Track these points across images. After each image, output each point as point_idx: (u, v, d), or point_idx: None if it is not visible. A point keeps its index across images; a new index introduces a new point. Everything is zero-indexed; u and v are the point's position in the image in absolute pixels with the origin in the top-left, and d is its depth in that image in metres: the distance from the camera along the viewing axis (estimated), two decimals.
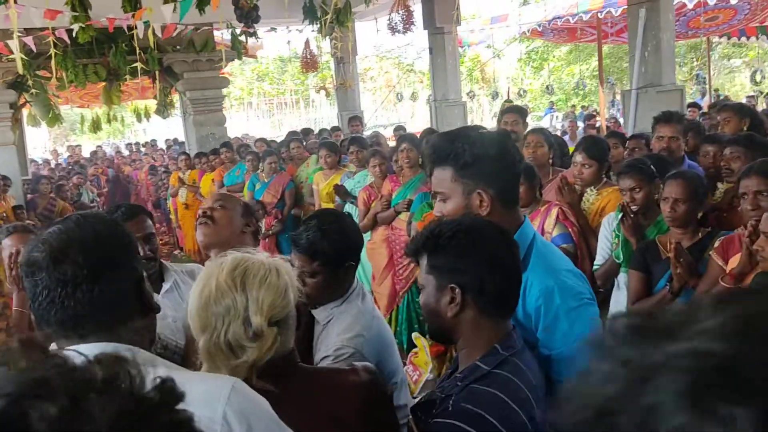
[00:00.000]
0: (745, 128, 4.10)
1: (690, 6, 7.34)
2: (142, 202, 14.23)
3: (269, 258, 1.56)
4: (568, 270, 1.75)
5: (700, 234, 2.98)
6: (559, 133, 13.62)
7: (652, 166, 3.28)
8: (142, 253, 2.37)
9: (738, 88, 23.09)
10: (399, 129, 8.84)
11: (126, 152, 18.99)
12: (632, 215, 3.21)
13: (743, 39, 12.39)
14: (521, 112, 5.28)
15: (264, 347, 1.41)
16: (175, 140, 17.31)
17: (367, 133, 11.19)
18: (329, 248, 2.11)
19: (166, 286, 2.52)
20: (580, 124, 13.21)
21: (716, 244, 2.82)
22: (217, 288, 1.44)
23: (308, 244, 2.12)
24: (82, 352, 0.68)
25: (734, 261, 2.64)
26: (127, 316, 1.32)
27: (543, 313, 1.63)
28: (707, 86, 11.96)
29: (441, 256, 1.48)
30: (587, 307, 1.67)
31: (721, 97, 14.82)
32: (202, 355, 1.46)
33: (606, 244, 3.47)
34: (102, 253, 1.29)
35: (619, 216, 3.27)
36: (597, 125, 11.13)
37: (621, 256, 3.29)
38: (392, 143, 8.07)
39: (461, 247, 1.46)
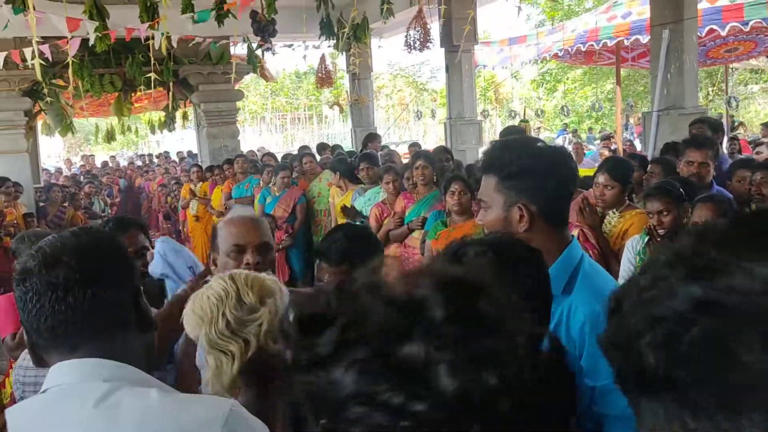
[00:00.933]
0: None
1: (703, 33, 7.25)
2: (154, 213, 14.26)
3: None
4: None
5: None
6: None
7: (681, 189, 3.18)
8: None
9: (753, 114, 22.96)
10: (414, 145, 8.77)
11: (139, 163, 19.03)
12: (659, 239, 3.10)
13: (762, 59, 12.30)
14: (520, 134, 5.31)
15: (269, 314, 1.45)
16: (189, 153, 17.36)
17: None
18: (360, 256, 2.10)
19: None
20: (592, 147, 13.12)
21: None
22: (208, 287, 1.51)
23: (340, 253, 2.12)
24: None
25: None
26: (122, 329, 1.27)
27: (588, 339, 1.52)
28: (728, 112, 11.84)
29: None
30: None
31: (736, 124, 14.70)
32: (207, 350, 1.45)
33: (629, 268, 3.36)
34: (97, 260, 1.25)
35: (645, 239, 3.16)
36: (613, 147, 11.04)
37: None
38: (405, 159, 8.03)
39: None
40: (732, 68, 14.47)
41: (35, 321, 1.20)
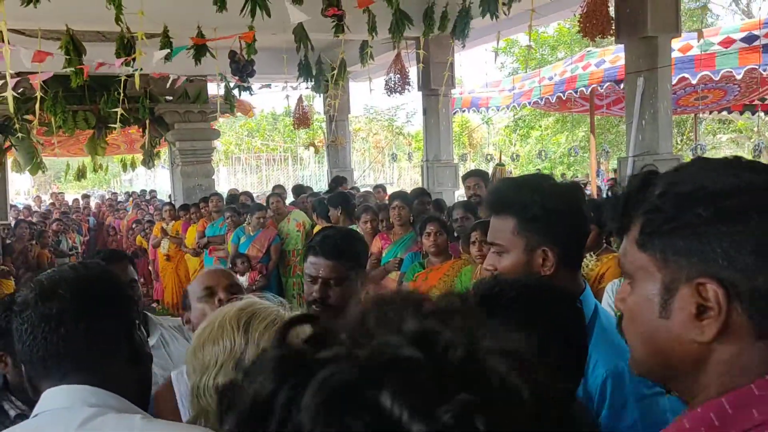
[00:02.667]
0: None
1: (694, 81, 7.43)
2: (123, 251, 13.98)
3: (285, 309, 1.45)
4: None
5: None
6: None
7: None
8: None
9: None
10: (379, 187, 8.79)
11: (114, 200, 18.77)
12: None
13: (724, 113, 12.66)
14: (483, 176, 5.40)
15: None
16: (150, 192, 17.31)
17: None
18: (355, 249, 2.14)
19: (151, 341, 2.30)
20: None
21: None
22: (220, 326, 1.36)
23: (336, 246, 2.08)
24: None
25: None
26: (113, 360, 1.28)
27: (609, 395, 1.46)
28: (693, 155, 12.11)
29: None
30: (659, 397, 1.49)
31: None
32: (191, 396, 1.38)
33: (610, 313, 3.32)
34: (91, 293, 1.29)
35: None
36: (588, 192, 11.16)
37: None
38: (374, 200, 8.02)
39: (524, 313, 1.23)
40: (701, 118, 14.86)
41: (29, 352, 1.23)
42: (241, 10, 5.29)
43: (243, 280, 6.96)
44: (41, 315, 1.23)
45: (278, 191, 8.53)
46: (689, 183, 0.80)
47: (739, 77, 7.37)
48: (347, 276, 2.08)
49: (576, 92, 8.75)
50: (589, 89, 8.62)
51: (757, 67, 7.17)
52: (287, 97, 10.07)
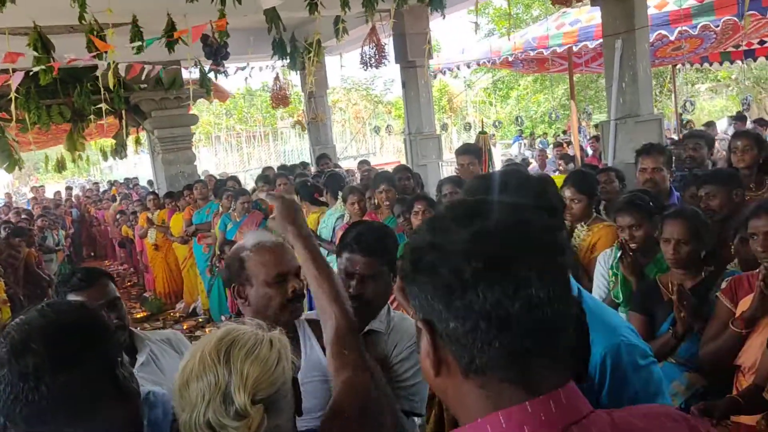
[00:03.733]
0: (762, 159, 4.05)
1: (652, 37, 7.41)
2: (109, 242, 13.88)
3: (264, 330, 1.40)
4: (628, 326, 1.67)
5: (703, 274, 2.86)
6: (530, 161, 13.72)
7: (651, 203, 3.18)
8: None
9: (699, 111, 23.63)
10: (364, 162, 8.77)
11: (94, 191, 18.55)
12: (631, 253, 3.09)
13: (705, 65, 12.65)
14: (476, 153, 5.37)
15: (248, 429, 1.25)
16: (133, 179, 17.12)
17: (342, 163, 11.13)
18: (389, 246, 2.20)
19: (140, 358, 2.26)
20: (549, 153, 13.30)
21: (723, 284, 2.69)
22: (201, 361, 1.31)
23: (373, 244, 2.14)
24: None
25: (744, 303, 2.52)
26: (101, 403, 1.24)
27: (609, 372, 1.53)
28: (678, 112, 12.13)
29: None
30: (654, 366, 1.60)
31: (685, 122, 15.05)
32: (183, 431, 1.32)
33: (603, 283, 3.35)
34: (66, 340, 1.24)
35: (618, 254, 3.15)
36: (571, 153, 11.20)
37: (620, 296, 3.17)
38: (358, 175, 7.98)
39: None
40: (679, 68, 14.84)
41: (11, 411, 1.19)
42: (219, 3, 5.17)
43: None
44: (18, 374, 1.18)
45: (283, 172, 8.45)
46: (413, 237, 0.92)
47: (717, 28, 7.35)
48: (382, 272, 2.15)
49: (548, 50, 8.65)
50: (563, 48, 8.53)
51: (733, 17, 7.15)
52: (246, 79, 9.94)
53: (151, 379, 2.08)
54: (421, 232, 0.90)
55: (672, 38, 7.48)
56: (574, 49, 8.40)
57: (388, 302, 2.26)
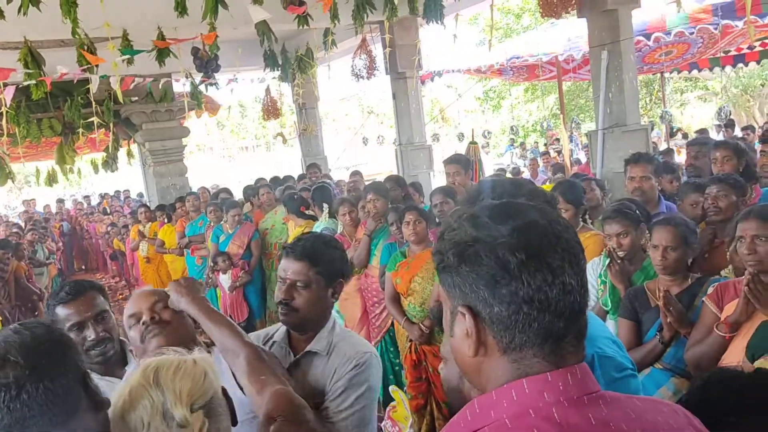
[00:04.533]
0: (741, 168, 4.09)
1: (649, 42, 7.49)
2: (99, 254, 13.84)
3: (185, 353, 1.50)
4: (607, 337, 1.69)
5: (689, 280, 2.90)
6: (522, 170, 13.79)
7: (638, 211, 3.22)
8: (93, 335, 2.21)
9: (689, 119, 23.80)
10: (356, 174, 8.82)
11: (85, 204, 18.50)
12: (619, 261, 3.13)
13: (694, 72, 12.77)
14: (463, 163, 5.41)
15: None
16: (124, 191, 17.06)
17: (334, 173, 11.13)
18: (328, 255, 2.10)
19: (129, 368, 2.27)
20: (540, 162, 13.37)
21: (710, 290, 2.73)
22: (131, 392, 1.38)
23: (307, 249, 2.08)
24: None
25: (729, 308, 2.55)
26: (75, 414, 1.32)
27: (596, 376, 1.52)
28: (666, 122, 12.24)
29: None
30: (630, 379, 1.61)
31: (675, 130, 15.19)
32: None
33: (591, 291, 3.38)
34: (43, 352, 1.31)
35: (606, 262, 3.19)
36: (552, 163, 11.28)
37: (609, 304, 3.20)
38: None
39: None
40: (668, 77, 14.98)
41: None
42: (203, 18, 5.20)
43: (226, 277, 6.93)
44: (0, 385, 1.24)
45: (265, 182, 8.49)
46: (451, 231, 1.01)
47: (692, 35, 7.43)
48: (315, 281, 2.06)
49: (534, 57, 8.69)
50: (550, 56, 8.58)
51: (708, 26, 7.21)
52: (231, 90, 9.98)
53: None
54: (461, 227, 0.99)
55: (650, 43, 7.52)
56: (561, 57, 8.46)
57: (333, 320, 2.15)
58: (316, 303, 2.07)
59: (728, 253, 3.04)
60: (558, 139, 17.87)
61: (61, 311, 2.22)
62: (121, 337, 2.41)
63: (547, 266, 0.93)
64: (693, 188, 3.91)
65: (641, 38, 7.47)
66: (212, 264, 7.07)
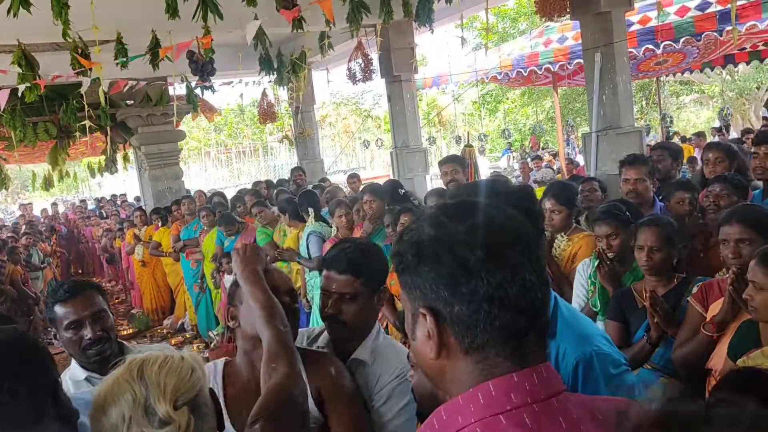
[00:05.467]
0: (733, 170, 4.10)
1: (640, 53, 7.56)
2: (96, 258, 13.82)
3: (168, 350, 1.48)
4: (601, 335, 1.71)
5: (675, 280, 2.91)
6: (516, 173, 13.79)
7: (627, 213, 3.23)
8: (91, 334, 2.18)
9: (684, 122, 23.86)
10: (353, 177, 8.82)
11: (83, 208, 18.50)
12: (609, 262, 3.14)
13: (687, 74, 12.82)
14: (460, 162, 5.42)
15: (178, 431, 1.29)
16: (120, 195, 17.02)
17: (332, 176, 11.11)
18: (372, 265, 2.05)
19: None
20: (532, 165, 13.38)
21: (694, 289, 2.74)
22: (114, 384, 1.33)
23: (350, 261, 2.01)
24: None
25: (715, 307, 2.56)
26: (42, 422, 1.30)
27: (581, 380, 1.57)
28: (665, 125, 12.26)
29: None
30: (625, 375, 1.63)
31: (671, 134, 15.20)
32: None
33: (582, 292, 3.39)
34: (13, 356, 1.30)
35: (596, 263, 3.19)
36: (544, 165, 11.29)
37: (598, 304, 3.20)
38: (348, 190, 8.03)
39: None
40: (663, 81, 15.03)
41: None
42: (193, 16, 5.20)
43: (230, 279, 6.75)
44: None
45: (259, 188, 8.48)
46: (409, 232, 0.99)
47: (699, 43, 7.48)
48: (362, 293, 2.01)
49: (540, 68, 8.79)
50: (556, 66, 8.66)
51: (713, 32, 7.28)
52: (241, 95, 9.98)
53: None
54: (420, 227, 0.97)
55: (659, 52, 7.60)
56: (568, 67, 8.51)
57: (378, 326, 2.12)
58: (363, 314, 2.04)
59: (722, 255, 3.04)
60: (531, 147, 17.98)
61: (60, 309, 2.20)
62: (122, 337, 2.41)
63: (506, 263, 0.91)
64: (679, 186, 3.91)
65: (651, 47, 7.53)
66: (217, 265, 6.98)
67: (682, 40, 7.46)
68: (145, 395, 1.29)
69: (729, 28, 7.06)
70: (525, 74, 9.29)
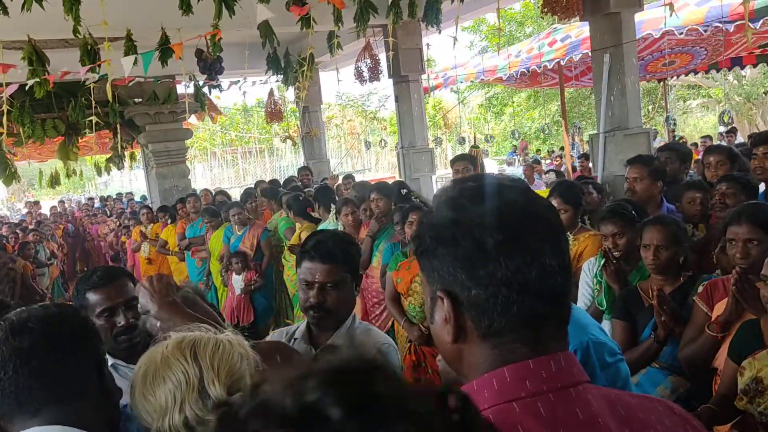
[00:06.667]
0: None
1: (656, 36, 7.37)
2: (102, 256, 13.86)
3: (212, 331, 1.41)
4: (595, 325, 1.74)
5: (681, 279, 2.90)
6: (522, 177, 13.76)
7: (634, 212, 3.23)
8: (124, 321, 2.18)
9: (691, 128, 23.81)
10: (348, 177, 8.82)
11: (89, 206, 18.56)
12: (614, 261, 3.14)
13: (691, 76, 12.75)
14: (471, 160, 5.45)
15: None
16: (127, 194, 17.03)
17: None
18: (350, 253, 2.13)
19: None
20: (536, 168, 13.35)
21: (700, 288, 2.73)
22: (163, 362, 1.28)
23: (333, 251, 2.08)
24: None
25: (720, 307, 2.55)
26: (85, 396, 1.31)
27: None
28: (669, 127, 12.22)
29: None
30: (620, 364, 1.64)
31: (677, 138, 15.16)
32: None
33: (587, 291, 3.39)
34: (62, 328, 1.32)
35: (601, 262, 3.19)
36: (549, 168, 11.27)
37: (604, 304, 3.21)
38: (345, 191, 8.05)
39: None
40: (670, 85, 15.00)
41: (0, 387, 1.25)
42: (214, 19, 5.25)
43: (239, 279, 6.72)
44: (13, 349, 1.25)
45: (260, 187, 8.53)
46: (430, 215, 0.98)
47: (695, 47, 7.40)
48: (343, 280, 2.09)
49: (539, 67, 8.72)
50: (553, 63, 8.59)
51: (698, 27, 7.14)
52: (244, 93, 10.01)
53: None
54: (439, 210, 0.96)
55: (657, 36, 7.45)
56: (562, 62, 8.47)
57: (353, 314, 2.19)
58: (345, 301, 2.12)
59: (714, 256, 3.04)
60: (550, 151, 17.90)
61: (92, 296, 2.19)
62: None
63: (525, 247, 0.89)
64: (690, 186, 3.90)
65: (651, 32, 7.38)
66: (227, 263, 6.93)
67: (686, 30, 7.28)
68: (199, 377, 1.25)
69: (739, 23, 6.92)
70: (527, 73, 9.25)
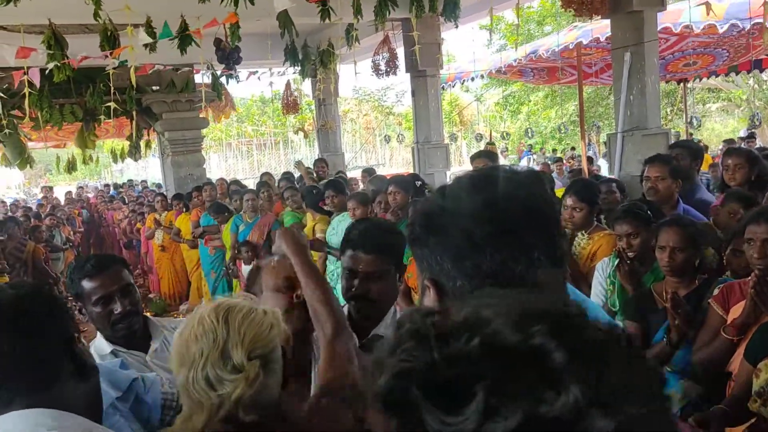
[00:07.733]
0: (753, 177, 4.02)
1: (675, 30, 7.20)
2: (116, 242, 13.96)
3: (253, 301, 1.51)
4: (609, 321, 1.67)
5: (697, 281, 2.86)
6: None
7: (649, 212, 3.19)
8: (120, 308, 2.17)
9: (709, 132, 23.56)
10: (368, 171, 8.81)
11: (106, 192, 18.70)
12: (629, 262, 3.10)
13: (712, 79, 12.56)
14: (491, 157, 5.43)
15: (245, 382, 1.33)
16: (141, 182, 17.13)
17: (350, 173, 11.16)
18: (394, 243, 2.08)
19: (154, 345, 2.26)
20: (553, 167, 13.25)
21: (715, 291, 2.69)
22: (200, 323, 1.39)
23: (377, 240, 2.05)
24: None
25: (736, 310, 2.51)
26: (59, 378, 1.29)
27: None
28: (695, 126, 12.03)
29: None
30: None
31: (696, 142, 14.99)
32: (181, 392, 1.40)
33: (600, 291, 3.36)
34: (24, 312, 1.28)
35: (615, 262, 3.16)
36: (567, 168, 11.17)
37: (617, 304, 3.17)
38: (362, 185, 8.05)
39: None
40: (690, 87, 14.83)
41: None
42: (224, 3, 5.23)
43: (247, 268, 6.73)
44: None
45: (266, 179, 8.54)
46: (423, 204, 0.98)
47: (717, 50, 7.25)
48: (387, 270, 2.06)
49: (548, 51, 8.43)
50: (561, 47, 8.33)
51: (715, 23, 7.00)
52: (271, 84, 10.01)
53: (164, 365, 2.09)
54: (432, 199, 0.95)
55: (676, 31, 7.31)
56: (571, 46, 8.20)
57: (395, 305, 2.16)
58: (389, 292, 2.08)
59: (725, 258, 2.99)
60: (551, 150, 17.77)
61: (87, 284, 2.18)
62: (144, 313, 2.41)
63: (516, 241, 0.87)
64: (736, 197, 3.64)
65: (669, 25, 7.22)
66: (236, 253, 6.95)
67: (702, 25, 7.11)
68: (225, 339, 1.35)
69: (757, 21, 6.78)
70: (547, 65, 9.09)
